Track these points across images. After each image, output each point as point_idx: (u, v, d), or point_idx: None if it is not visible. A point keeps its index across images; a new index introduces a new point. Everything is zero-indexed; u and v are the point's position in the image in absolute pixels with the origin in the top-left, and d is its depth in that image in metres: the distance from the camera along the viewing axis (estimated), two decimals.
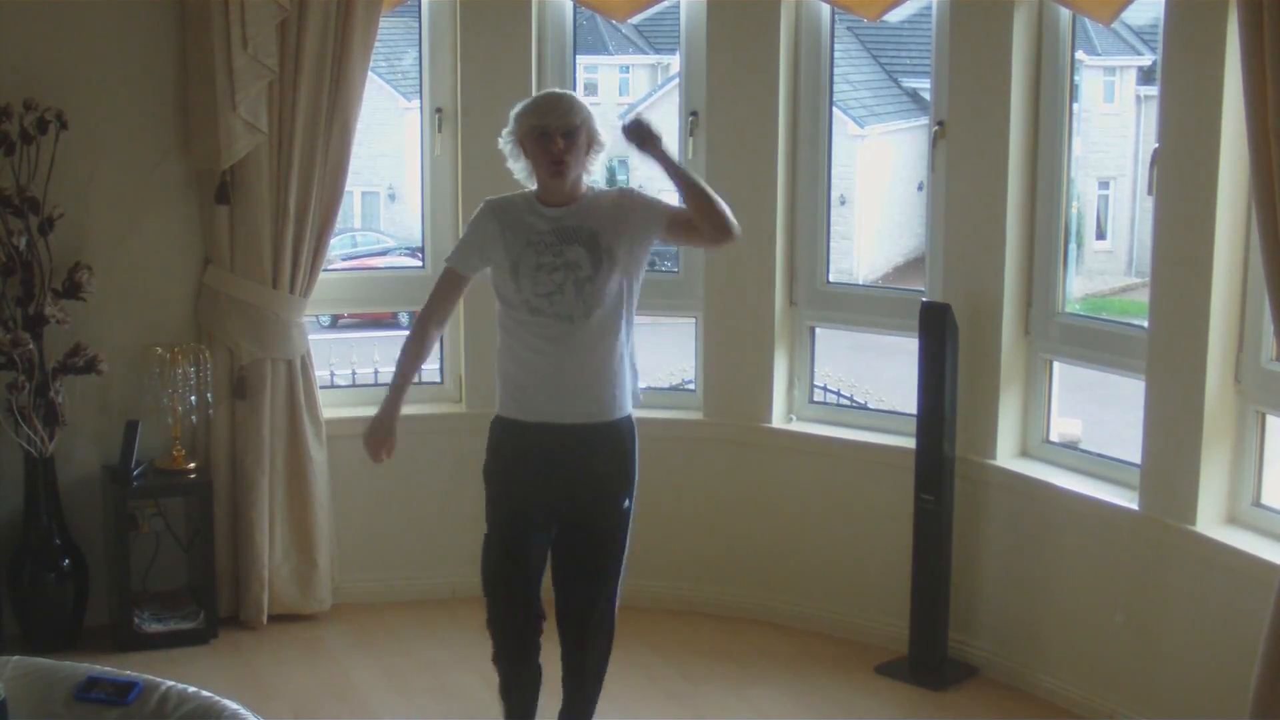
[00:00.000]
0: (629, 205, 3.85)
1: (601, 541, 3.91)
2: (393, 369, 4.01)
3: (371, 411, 5.41)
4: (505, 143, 3.85)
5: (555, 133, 3.75)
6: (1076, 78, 4.79)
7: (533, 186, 3.87)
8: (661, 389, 5.93)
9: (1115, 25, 4.79)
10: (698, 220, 3.79)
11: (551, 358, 3.78)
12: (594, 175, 3.90)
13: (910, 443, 4.86)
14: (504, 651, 3.98)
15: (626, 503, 3.91)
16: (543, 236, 3.78)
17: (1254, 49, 3.69)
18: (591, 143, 3.82)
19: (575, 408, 3.82)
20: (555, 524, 3.90)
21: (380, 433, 3.98)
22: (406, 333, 4.06)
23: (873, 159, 7.07)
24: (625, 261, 3.80)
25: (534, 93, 5.28)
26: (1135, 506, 4.40)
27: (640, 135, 3.76)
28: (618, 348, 3.83)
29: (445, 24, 5.34)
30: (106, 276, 4.98)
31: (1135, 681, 4.42)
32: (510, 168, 3.88)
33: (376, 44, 5.04)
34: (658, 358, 6.73)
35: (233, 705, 3.11)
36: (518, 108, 3.85)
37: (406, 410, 5.42)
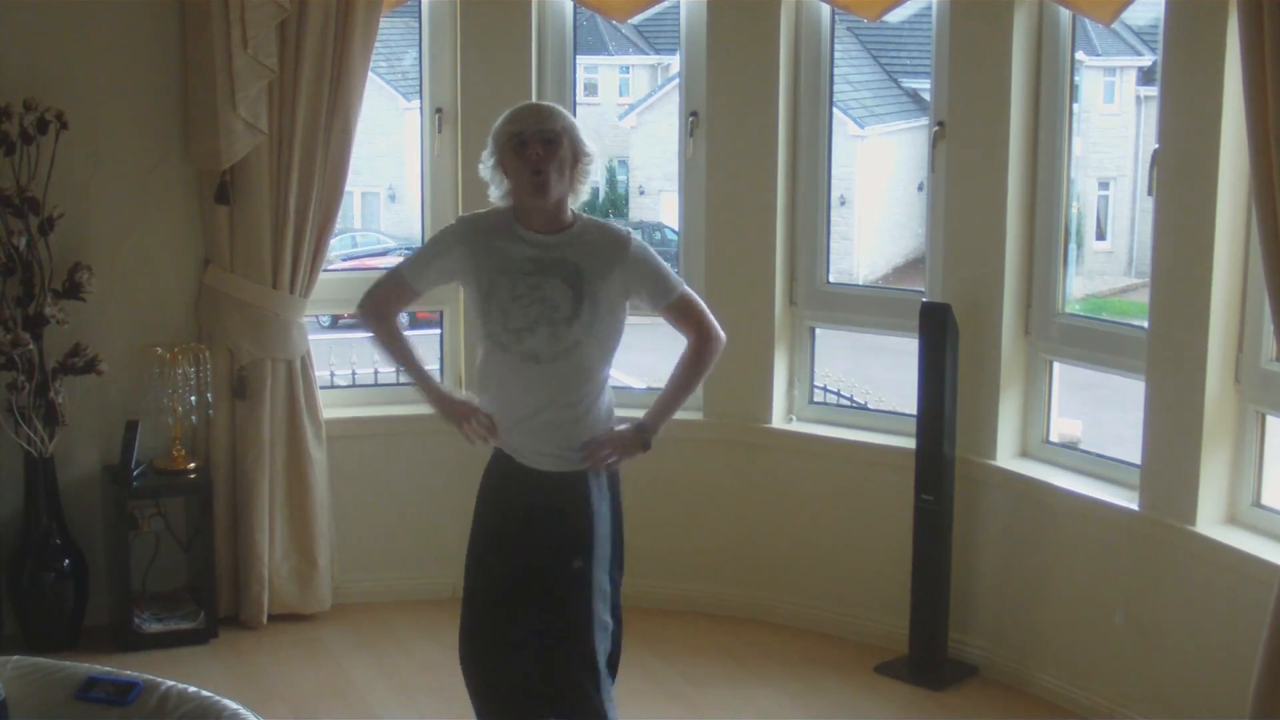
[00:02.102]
0: (631, 265, 3.48)
1: (558, 611, 3.52)
2: (404, 375, 3.70)
3: (372, 412, 5.48)
4: (485, 167, 3.50)
5: (533, 140, 3.39)
6: (1076, 78, 4.80)
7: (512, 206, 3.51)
8: (661, 389, 5.92)
9: (1115, 25, 4.79)
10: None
11: (518, 398, 3.47)
12: (582, 198, 3.55)
13: (910, 443, 4.86)
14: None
15: (579, 563, 3.49)
16: (521, 265, 3.42)
17: (1254, 49, 3.69)
18: (577, 157, 3.44)
19: (539, 455, 3.49)
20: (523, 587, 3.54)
21: (460, 414, 3.58)
22: (406, 333, 3.86)
23: (873, 159, 7.06)
24: (609, 310, 3.46)
25: (533, 93, 5.31)
26: (1135, 506, 4.40)
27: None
28: (587, 392, 3.48)
29: (445, 24, 5.34)
30: (106, 276, 4.98)
31: (1135, 681, 4.42)
32: (489, 194, 3.55)
33: (376, 44, 5.04)
34: (657, 358, 6.72)
35: (233, 705, 3.11)
36: (495, 124, 3.50)
37: (407, 410, 5.46)
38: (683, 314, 3.62)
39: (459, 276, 3.56)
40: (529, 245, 3.46)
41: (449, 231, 3.62)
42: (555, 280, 3.43)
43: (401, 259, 3.76)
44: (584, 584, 3.50)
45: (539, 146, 3.40)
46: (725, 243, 5.27)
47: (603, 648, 3.56)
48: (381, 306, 3.67)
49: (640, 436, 3.60)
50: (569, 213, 3.51)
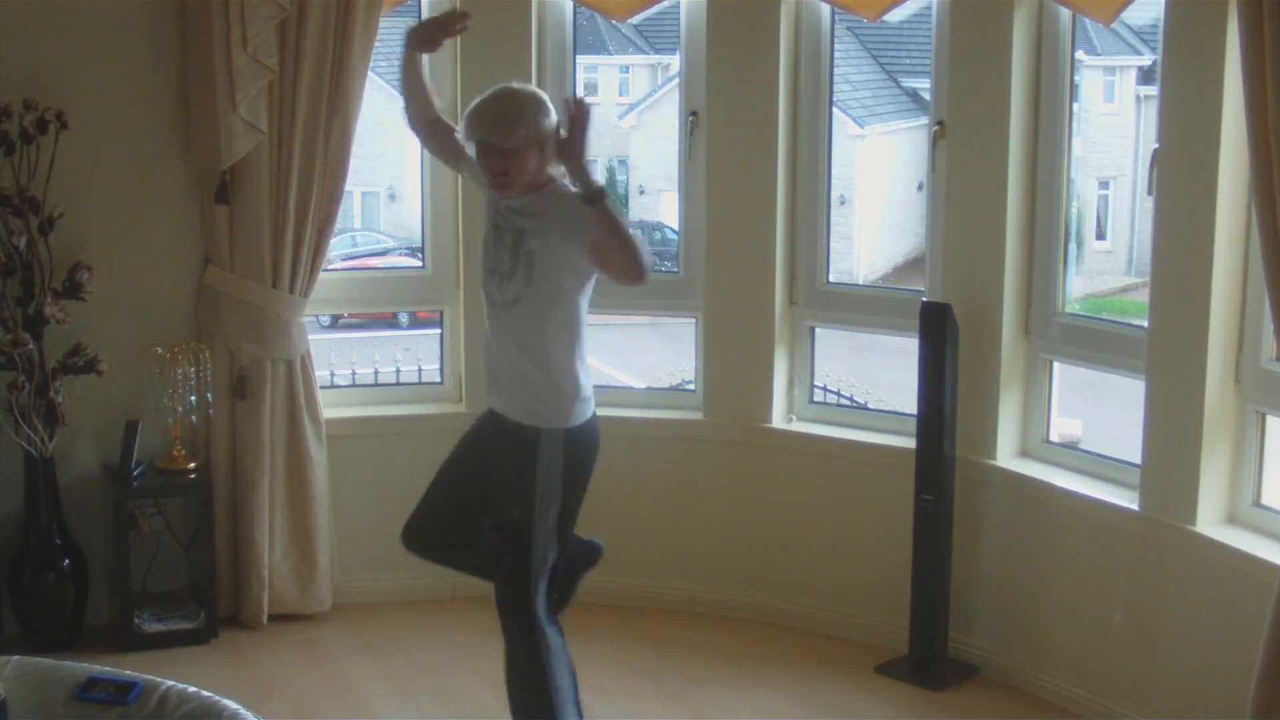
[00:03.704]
0: (561, 208, 3.67)
1: (496, 531, 3.88)
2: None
3: (372, 412, 5.48)
4: (460, 136, 3.84)
5: (493, 151, 3.64)
6: (1076, 78, 4.79)
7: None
8: (661, 389, 5.93)
9: (1115, 25, 4.79)
10: (604, 253, 3.60)
11: (491, 333, 3.85)
12: (551, 163, 3.71)
13: (910, 443, 4.86)
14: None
15: (515, 513, 3.80)
16: (495, 217, 3.79)
17: (1254, 49, 3.69)
18: (543, 145, 3.66)
19: (494, 394, 3.89)
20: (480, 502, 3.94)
21: (431, 24, 4.01)
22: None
23: (873, 159, 7.07)
24: (545, 272, 3.68)
25: None
26: (1135, 506, 4.40)
27: (577, 118, 3.56)
28: (539, 355, 3.76)
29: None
30: (106, 276, 4.98)
31: (1135, 681, 4.42)
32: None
33: (376, 44, 5.04)
34: (658, 358, 6.73)
35: (233, 705, 3.11)
36: (468, 107, 3.75)
37: (406, 410, 5.47)
38: (601, 253, 3.64)
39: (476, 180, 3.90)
40: (504, 207, 3.77)
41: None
42: (507, 236, 3.74)
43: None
44: (522, 532, 3.79)
45: (497, 158, 3.65)
46: (725, 242, 5.27)
47: (541, 584, 3.85)
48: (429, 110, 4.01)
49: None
50: (544, 176, 3.73)
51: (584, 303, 3.80)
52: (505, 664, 3.90)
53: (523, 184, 3.69)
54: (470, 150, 3.81)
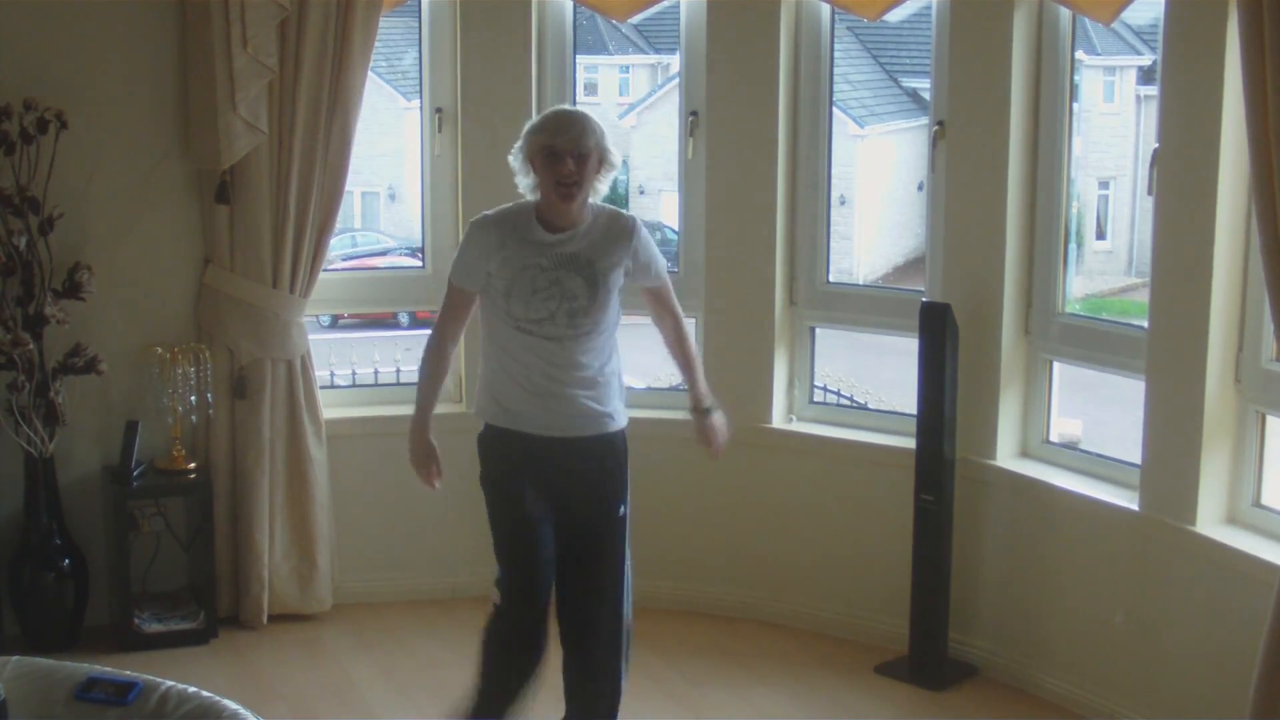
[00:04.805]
0: (635, 250, 3.78)
1: (599, 550, 3.84)
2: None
3: (372, 412, 5.48)
4: (515, 158, 3.74)
5: (566, 154, 3.63)
6: (1076, 78, 4.80)
7: (534, 198, 3.75)
8: (661, 389, 5.93)
9: (1115, 25, 4.79)
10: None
11: (539, 372, 3.71)
12: (601, 195, 3.79)
13: (910, 443, 4.86)
14: (515, 634, 3.87)
15: (622, 509, 3.86)
16: (540, 263, 3.67)
17: (1254, 49, 3.69)
18: (602, 163, 3.70)
19: (564, 423, 3.75)
20: (553, 532, 3.82)
21: (425, 458, 3.90)
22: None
23: (873, 159, 7.07)
24: (617, 290, 3.77)
25: (534, 92, 5.31)
26: (1135, 506, 4.40)
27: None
28: (606, 363, 3.78)
29: (445, 24, 5.34)
30: (106, 276, 4.98)
31: (1135, 681, 4.42)
32: (517, 183, 3.77)
33: (376, 44, 5.04)
34: (658, 358, 6.72)
35: (233, 705, 3.11)
36: (530, 124, 3.74)
37: (407, 410, 5.44)
38: (663, 298, 3.97)
39: (491, 266, 3.72)
40: (548, 244, 3.69)
41: (478, 227, 3.77)
42: (572, 274, 3.68)
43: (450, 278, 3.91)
44: (623, 529, 3.86)
45: (571, 162, 3.64)
46: (725, 242, 5.27)
47: (629, 585, 3.91)
48: (456, 326, 3.86)
49: (714, 411, 4.04)
50: (586, 208, 3.75)
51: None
52: (597, 657, 3.88)
53: (582, 201, 3.69)
54: (524, 169, 3.73)
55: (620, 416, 3.85)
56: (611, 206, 3.87)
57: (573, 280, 3.67)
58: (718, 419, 4.03)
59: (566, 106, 4.00)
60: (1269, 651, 3.72)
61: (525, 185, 3.75)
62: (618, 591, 3.89)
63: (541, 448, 3.76)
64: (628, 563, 3.91)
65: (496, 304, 3.72)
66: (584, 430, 3.77)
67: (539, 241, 3.69)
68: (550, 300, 3.67)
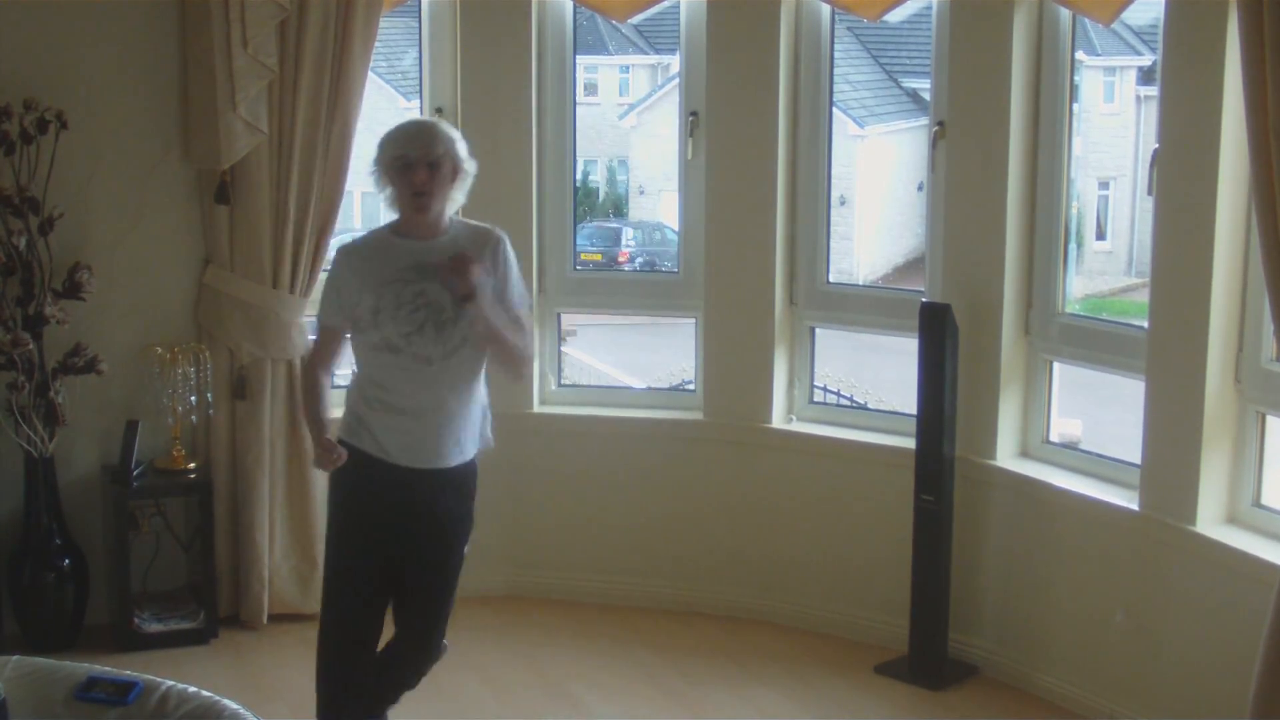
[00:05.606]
0: (493, 256, 3.69)
1: (440, 586, 3.78)
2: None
3: None
4: (372, 172, 3.69)
5: (418, 163, 3.59)
6: (1076, 78, 4.80)
7: (394, 212, 3.72)
8: (661, 389, 5.93)
9: (1115, 25, 4.79)
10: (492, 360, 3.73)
11: (408, 398, 3.64)
12: (458, 205, 3.75)
13: (910, 443, 4.86)
14: (345, 695, 3.79)
15: (467, 548, 3.81)
16: (403, 273, 3.62)
17: (1254, 49, 3.69)
18: (456, 173, 3.66)
19: (429, 453, 3.67)
20: (392, 568, 3.73)
21: (329, 455, 3.63)
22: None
23: (873, 159, 7.07)
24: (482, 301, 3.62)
25: (534, 92, 5.31)
26: (1135, 506, 4.40)
27: (459, 284, 3.56)
28: (475, 390, 3.71)
29: (445, 24, 5.34)
30: (106, 276, 4.98)
31: (1135, 681, 4.42)
32: (380, 198, 3.73)
33: (376, 44, 5.04)
34: (658, 358, 6.73)
35: (233, 705, 3.12)
36: (382, 136, 3.69)
37: None
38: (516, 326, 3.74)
39: (354, 297, 3.67)
40: (409, 254, 3.65)
41: (334, 263, 3.77)
42: (435, 283, 3.60)
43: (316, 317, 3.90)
44: (461, 564, 3.81)
45: (423, 171, 3.61)
46: (725, 243, 5.27)
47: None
48: (327, 360, 3.83)
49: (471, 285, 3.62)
50: (445, 219, 3.71)
51: None
52: (407, 678, 3.91)
53: (438, 211, 3.65)
54: (381, 184, 3.69)
55: (483, 441, 3.80)
56: (480, 223, 3.80)
57: (436, 289, 3.60)
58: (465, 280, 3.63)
59: (418, 116, 3.94)
60: (1269, 651, 3.73)
61: (384, 199, 3.72)
62: (444, 625, 3.85)
63: (402, 478, 3.67)
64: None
65: (367, 324, 3.64)
66: (442, 462, 3.69)
67: (400, 254, 3.65)
68: (417, 312, 3.60)
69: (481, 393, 3.76)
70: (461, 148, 3.69)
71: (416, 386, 3.64)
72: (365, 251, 3.72)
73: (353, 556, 3.73)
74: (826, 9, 5.09)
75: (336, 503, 3.77)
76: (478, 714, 4.55)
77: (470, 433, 3.74)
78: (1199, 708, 4.18)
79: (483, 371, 3.73)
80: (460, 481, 3.75)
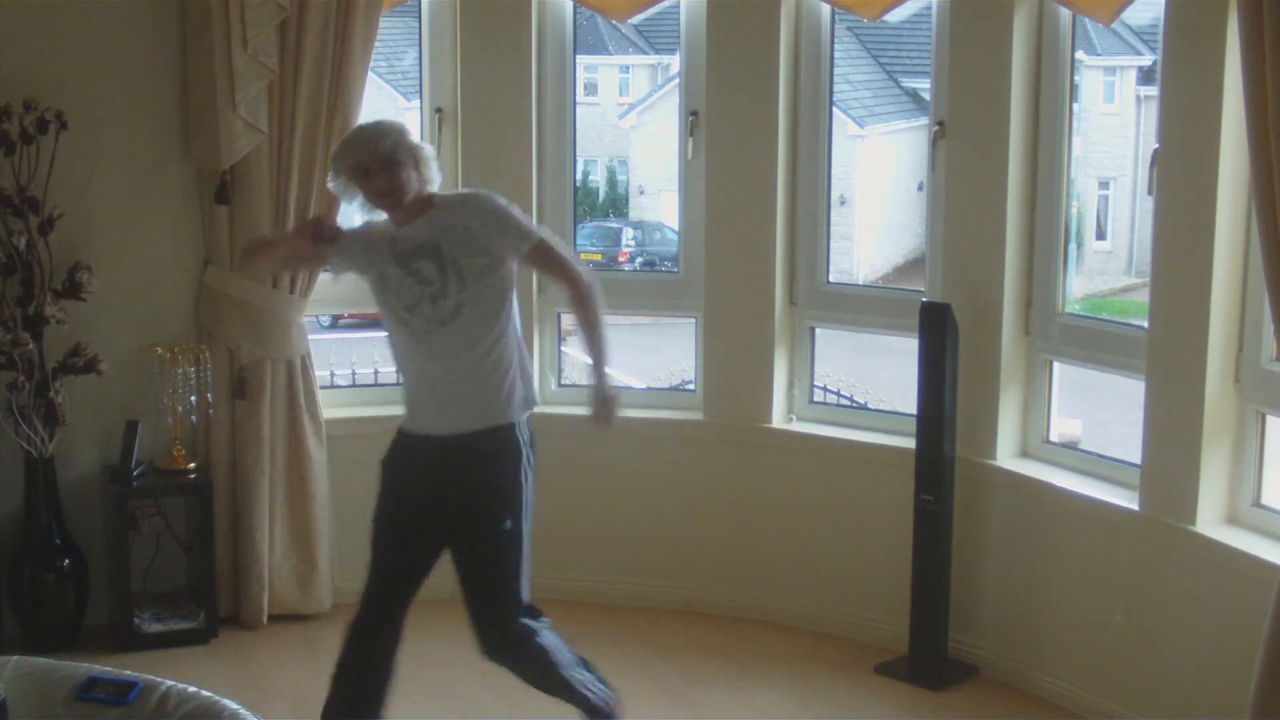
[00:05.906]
0: (478, 217, 3.72)
1: (480, 557, 3.80)
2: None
3: (371, 412, 5.46)
4: (334, 186, 3.77)
5: (372, 166, 3.65)
6: (1076, 78, 4.79)
7: (379, 217, 3.79)
8: (661, 389, 5.93)
9: (1115, 25, 4.79)
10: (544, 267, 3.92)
11: (423, 364, 3.75)
12: (436, 182, 3.78)
13: (910, 443, 4.86)
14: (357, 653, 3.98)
15: (508, 523, 3.76)
16: (399, 254, 3.72)
17: (1254, 49, 3.69)
18: (417, 158, 3.70)
19: (447, 418, 3.74)
20: (440, 536, 3.83)
21: (309, 223, 3.88)
22: None
23: (873, 159, 7.07)
24: (476, 272, 3.69)
25: (534, 92, 5.32)
26: (1135, 506, 4.40)
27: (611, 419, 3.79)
28: (492, 356, 3.72)
29: (445, 24, 5.34)
30: (106, 276, 4.98)
31: (1135, 681, 4.42)
32: (352, 206, 3.82)
33: (376, 44, 5.04)
34: (658, 358, 6.72)
35: (233, 705, 3.12)
36: (333, 152, 3.79)
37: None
38: (544, 260, 3.85)
39: (359, 264, 3.83)
40: (401, 238, 3.74)
41: (354, 231, 3.87)
42: (423, 259, 3.70)
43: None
44: (513, 543, 3.79)
45: (380, 174, 3.67)
46: (725, 243, 5.27)
47: (523, 592, 3.84)
48: (289, 256, 4.08)
49: (608, 396, 3.82)
50: (429, 197, 3.76)
51: (514, 283, 3.80)
52: (516, 676, 3.94)
53: (410, 200, 3.71)
54: (348, 194, 3.78)
55: (519, 409, 3.79)
56: (467, 189, 3.87)
57: (423, 265, 3.69)
58: (606, 406, 3.83)
59: (362, 122, 4.06)
60: (1269, 651, 3.72)
61: (356, 207, 3.80)
62: (508, 609, 3.83)
63: (429, 446, 3.79)
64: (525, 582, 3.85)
65: (379, 298, 3.79)
66: (462, 426, 3.74)
67: (397, 234, 3.75)
68: (413, 288, 3.71)
69: (507, 358, 3.75)
70: (409, 134, 3.74)
71: (427, 357, 3.73)
72: (379, 231, 3.81)
73: (384, 511, 3.86)
74: (826, 9, 5.09)
75: (386, 481, 3.89)
76: (478, 713, 4.55)
77: (493, 399, 3.74)
78: (1199, 708, 4.18)
79: (498, 335, 3.73)
80: (491, 450, 3.75)
